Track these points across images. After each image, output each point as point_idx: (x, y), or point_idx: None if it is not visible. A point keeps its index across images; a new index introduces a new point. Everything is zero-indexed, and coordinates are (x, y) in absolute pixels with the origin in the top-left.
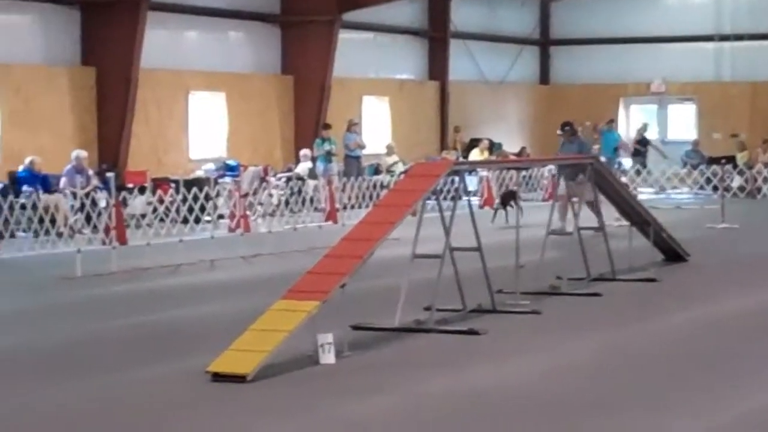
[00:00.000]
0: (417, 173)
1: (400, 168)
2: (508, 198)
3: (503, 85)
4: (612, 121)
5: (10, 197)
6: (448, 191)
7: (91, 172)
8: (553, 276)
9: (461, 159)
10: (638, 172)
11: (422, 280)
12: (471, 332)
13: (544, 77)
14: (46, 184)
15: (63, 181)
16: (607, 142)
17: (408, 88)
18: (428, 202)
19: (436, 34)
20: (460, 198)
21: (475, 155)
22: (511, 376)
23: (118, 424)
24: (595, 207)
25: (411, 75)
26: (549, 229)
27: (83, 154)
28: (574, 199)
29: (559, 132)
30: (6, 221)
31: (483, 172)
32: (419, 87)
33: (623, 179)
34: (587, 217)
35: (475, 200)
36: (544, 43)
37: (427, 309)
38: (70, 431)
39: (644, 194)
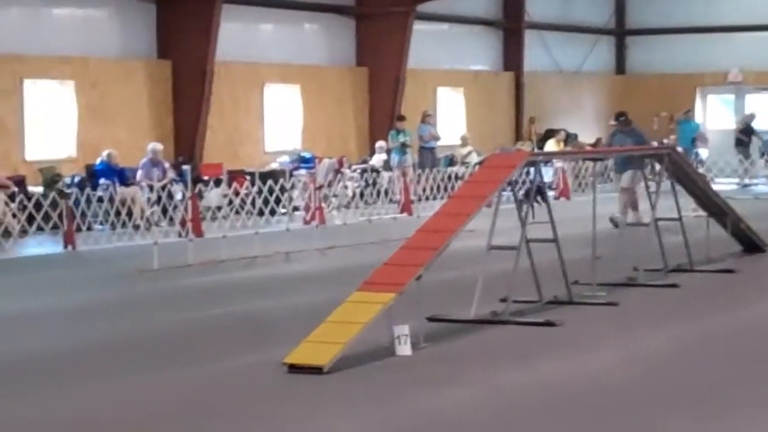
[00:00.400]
0: (492, 164)
1: (474, 159)
2: (534, 193)
3: (578, 75)
4: (689, 111)
5: (88, 190)
6: (524, 182)
7: (167, 164)
8: (630, 267)
9: (536, 150)
10: (741, 162)
11: (498, 271)
12: (547, 324)
13: (620, 67)
14: (123, 177)
15: (139, 173)
16: (684, 132)
17: (483, 79)
18: (504, 193)
19: (510, 25)
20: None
21: (551, 146)
22: (588, 367)
23: (196, 416)
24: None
25: (486, 66)
26: (616, 220)
27: (159, 146)
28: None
29: (612, 122)
30: (83, 214)
31: (558, 163)
32: (494, 78)
33: (700, 170)
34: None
35: (552, 192)
36: (620, 32)
37: (503, 300)
38: (149, 422)
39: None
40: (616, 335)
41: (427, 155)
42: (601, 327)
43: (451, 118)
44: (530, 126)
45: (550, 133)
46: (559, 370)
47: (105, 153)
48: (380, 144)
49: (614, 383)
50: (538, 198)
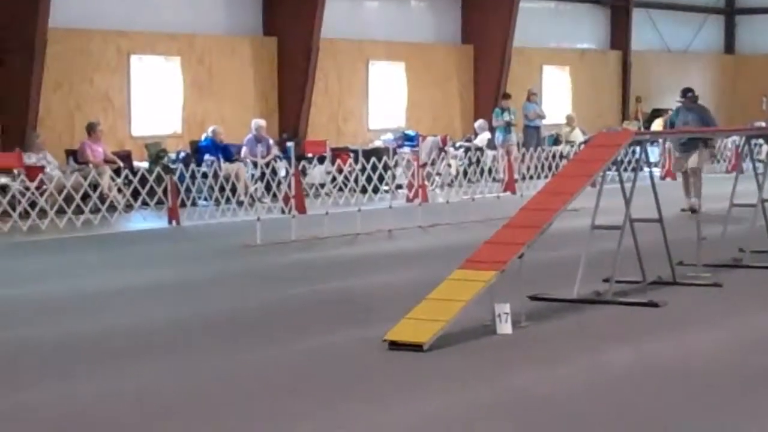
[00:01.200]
0: (598, 143)
1: (579, 138)
2: None
3: (687, 54)
4: None
5: (192, 166)
6: (629, 162)
7: (271, 141)
8: (736, 249)
9: (643, 130)
10: None
11: (601, 251)
12: (651, 304)
13: (729, 47)
14: (227, 153)
15: (244, 150)
16: None
17: (589, 58)
18: (608, 172)
19: (618, 3)
20: (641, 169)
21: (658, 126)
22: (692, 349)
23: (296, 391)
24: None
25: (592, 44)
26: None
27: (263, 123)
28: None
29: (679, 99)
30: (188, 190)
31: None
32: (600, 56)
33: None
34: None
35: (657, 171)
36: (729, 11)
37: (606, 281)
38: (250, 395)
39: None
40: (720, 316)
41: (532, 134)
42: (706, 308)
43: (556, 96)
44: (637, 105)
45: (656, 113)
46: (663, 351)
47: (210, 129)
48: (479, 123)
49: (719, 365)
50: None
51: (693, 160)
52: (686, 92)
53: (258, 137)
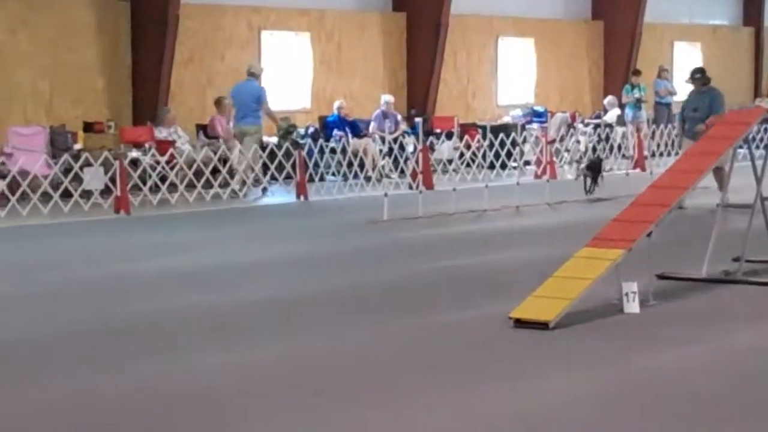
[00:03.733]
0: (729, 121)
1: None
2: (594, 169)
3: None
4: None
5: (321, 141)
6: (761, 139)
7: (399, 116)
8: None
9: None
10: None
11: (731, 230)
12: None
13: None
14: (355, 128)
15: (372, 125)
16: None
17: (721, 34)
18: (740, 150)
19: None
20: None
21: None
22: None
23: (421, 367)
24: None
25: (724, 20)
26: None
27: (391, 98)
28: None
29: (688, 80)
30: (316, 165)
31: None
32: (733, 33)
33: None
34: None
35: None
36: None
37: (736, 260)
38: (376, 370)
39: None
40: None
41: (662, 111)
42: None
43: (688, 73)
44: None
45: None
46: None
47: (336, 104)
48: (609, 99)
49: None
50: (599, 177)
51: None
52: (694, 74)
53: (386, 112)
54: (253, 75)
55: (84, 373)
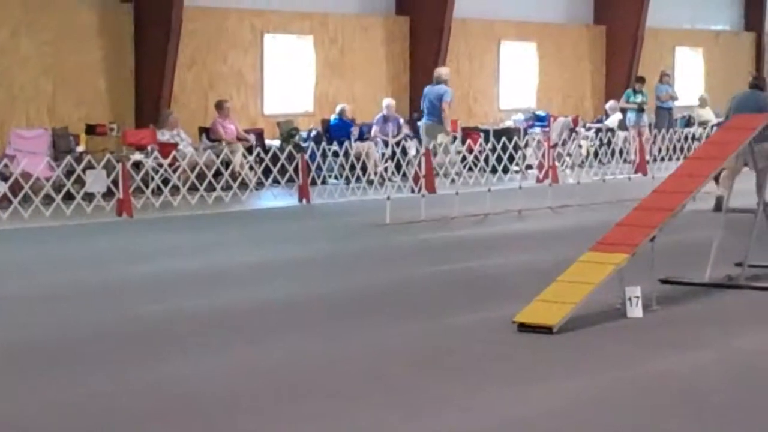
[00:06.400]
0: (733, 125)
1: (713, 120)
2: None
3: None
4: None
5: (323, 144)
6: None
7: (401, 120)
8: None
9: None
10: None
11: (734, 234)
12: None
13: None
14: (360, 131)
15: (374, 129)
16: None
17: (723, 39)
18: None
19: None
20: None
21: None
22: None
23: (423, 371)
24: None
25: (726, 26)
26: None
27: (393, 102)
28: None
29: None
30: (319, 168)
31: None
32: (734, 38)
33: None
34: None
35: None
36: None
37: (739, 265)
38: (377, 375)
39: None
40: None
41: (664, 115)
42: None
43: (689, 78)
44: None
45: None
46: None
47: (338, 108)
48: (611, 104)
49: None
50: None
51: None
52: (755, 77)
53: (387, 116)
54: (440, 81)
55: (92, 375)
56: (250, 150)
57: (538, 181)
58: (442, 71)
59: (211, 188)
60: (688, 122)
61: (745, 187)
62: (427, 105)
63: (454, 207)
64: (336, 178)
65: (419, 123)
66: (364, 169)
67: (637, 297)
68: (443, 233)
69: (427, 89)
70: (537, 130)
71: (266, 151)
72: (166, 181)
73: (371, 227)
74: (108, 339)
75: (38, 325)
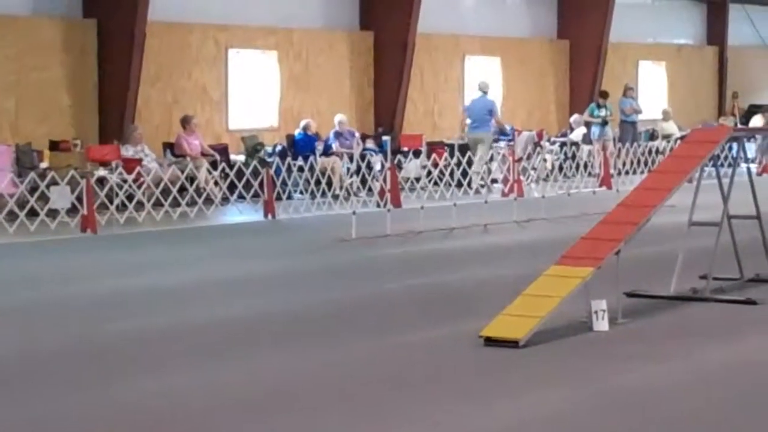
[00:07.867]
0: (695, 139)
1: (676, 134)
2: None
3: None
4: None
5: (288, 159)
6: (726, 158)
7: (357, 134)
8: None
9: (739, 125)
10: None
11: (699, 248)
12: (748, 302)
13: None
14: (322, 146)
15: (335, 145)
16: None
17: (686, 53)
18: (706, 168)
19: None
20: (738, 165)
21: (757, 122)
22: None
23: (390, 386)
24: None
25: (689, 40)
26: None
27: (344, 117)
28: None
29: None
30: (284, 183)
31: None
32: (697, 52)
33: None
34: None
35: (754, 167)
36: None
37: (703, 277)
38: (344, 390)
39: None
40: None
41: (628, 129)
42: None
43: (652, 92)
44: (733, 101)
45: (754, 109)
46: (761, 349)
47: (303, 123)
48: (575, 118)
49: None
50: None
51: None
52: None
53: (340, 132)
54: (484, 91)
55: (60, 393)
56: (214, 165)
57: (504, 195)
58: (484, 83)
59: (176, 204)
60: (652, 136)
61: (710, 201)
62: (476, 116)
63: (420, 221)
64: (301, 193)
65: (467, 133)
66: (329, 183)
67: (603, 310)
68: (409, 248)
69: (473, 101)
70: (502, 144)
71: (231, 167)
72: (130, 197)
73: (337, 242)
74: (71, 356)
75: (4, 342)
